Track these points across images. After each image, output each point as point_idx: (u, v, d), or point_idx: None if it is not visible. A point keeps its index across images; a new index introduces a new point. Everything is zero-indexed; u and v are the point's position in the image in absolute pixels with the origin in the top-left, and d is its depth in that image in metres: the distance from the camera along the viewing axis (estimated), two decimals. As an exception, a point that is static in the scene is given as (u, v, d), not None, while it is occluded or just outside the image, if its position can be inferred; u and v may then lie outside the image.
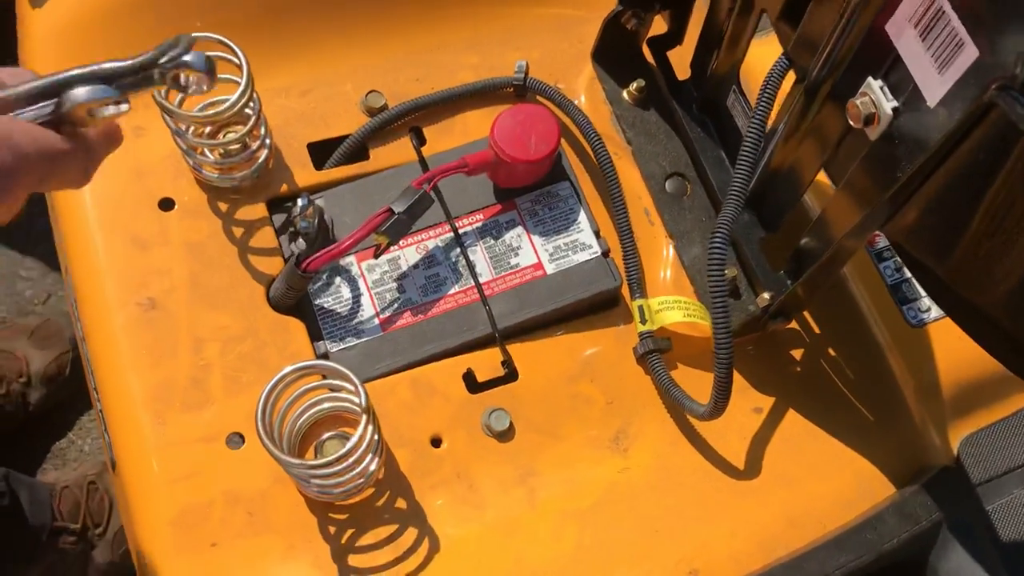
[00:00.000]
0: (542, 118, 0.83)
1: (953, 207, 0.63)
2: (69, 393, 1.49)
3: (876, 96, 0.63)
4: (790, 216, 0.82)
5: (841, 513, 0.77)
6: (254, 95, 0.78)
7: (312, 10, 0.91)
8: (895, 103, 0.62)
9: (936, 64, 0.57)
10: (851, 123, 0.64)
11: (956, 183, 0.61)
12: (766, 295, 0.81)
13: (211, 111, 0.75)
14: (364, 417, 0.67)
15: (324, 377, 0.71)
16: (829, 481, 0.80)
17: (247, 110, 0.78)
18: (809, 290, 0.78)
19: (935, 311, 0.95)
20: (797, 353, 0.87)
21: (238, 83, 0.75)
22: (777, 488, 0.79)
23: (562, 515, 0.76)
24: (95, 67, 0.58)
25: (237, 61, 0.75)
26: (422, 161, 0.86)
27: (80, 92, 0.57)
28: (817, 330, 0.89)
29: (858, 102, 0.63)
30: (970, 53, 0.54)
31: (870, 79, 0.63)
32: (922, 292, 0.94)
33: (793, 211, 0.81)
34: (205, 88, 0.62)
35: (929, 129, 0.59)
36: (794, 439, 0.82)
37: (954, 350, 0.97)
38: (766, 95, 0.74)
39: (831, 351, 0.88)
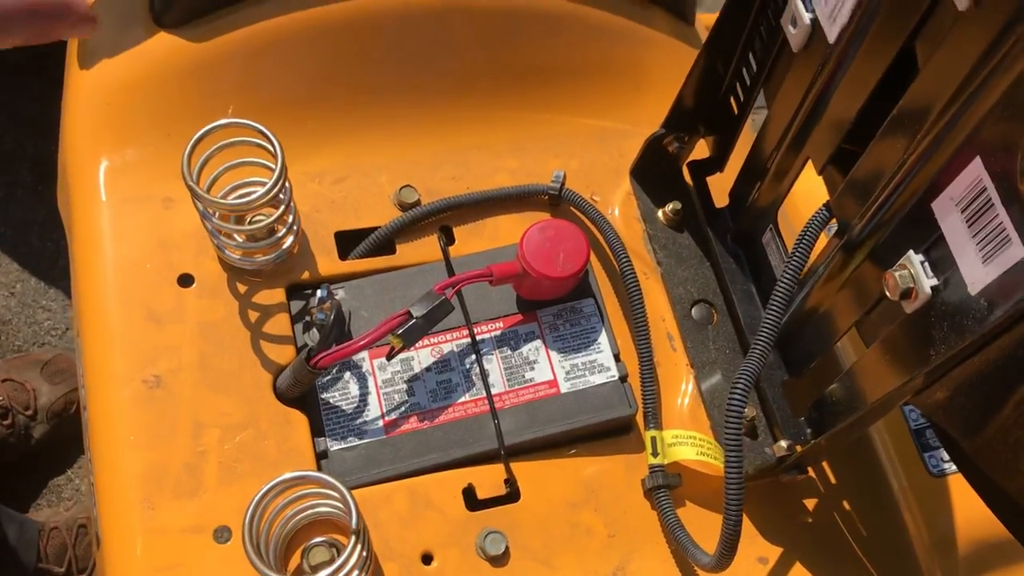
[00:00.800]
0: (572, 236, 0.82)
1: (986, 393, 0.60)
2: (74, 429, 1.48)
3: (915, 271, 0.61)
4: (817, 363, 0.80)
5: None
6: (286, 183, 0.77)
7: (354, 98, 0.91)
8: (935, 281, 0.60)
9: (980, 253, 0.55)
10: (887, 294, 0.62)
11: (992, 372, 0.58)
12: (783, 444, 0.78)
13: (242, 200, 0.75)
14: (353, 538, 0.65)
15: (320, 487, 0.70)
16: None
17: (280, 196, 0.78)
18: (831, 444, 0.76)
19: (957, 463, 0.92)
20: (810, 502, 0.84)
21: (271, 169, 0.75)
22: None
23: (548, 653, 0.73)
24: None
25: (271, 149, 0.75)
26: (448, 263, 0.85)
27: None
28: (833, 479, 0.86)
29: (896, 274, 0.61)
30: (1017, 252, 0.52)
31: (911, 252, 0.61)
32: (945, 443, 0.92)
33: (821, 359, 0.79)
34: None
35: (969, 317, 0.57)
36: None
37: (973, 504, 0.93)
38: (803, 245, 0.72)
39: (845, 503, 0.85)
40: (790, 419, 0.80)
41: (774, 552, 0.81)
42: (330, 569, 0.65)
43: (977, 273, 0.56)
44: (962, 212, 0.56)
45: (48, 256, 1.63)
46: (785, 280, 0.72)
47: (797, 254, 0.72)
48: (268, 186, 0.73)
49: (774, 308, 0.72)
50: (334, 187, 0.88)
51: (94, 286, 0.81)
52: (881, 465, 0.90)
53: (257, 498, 0.65)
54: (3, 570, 1.25)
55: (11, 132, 1.68)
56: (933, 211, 0.59)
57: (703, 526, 0.79)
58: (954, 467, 0.96)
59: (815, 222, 0.72)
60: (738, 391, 0.70)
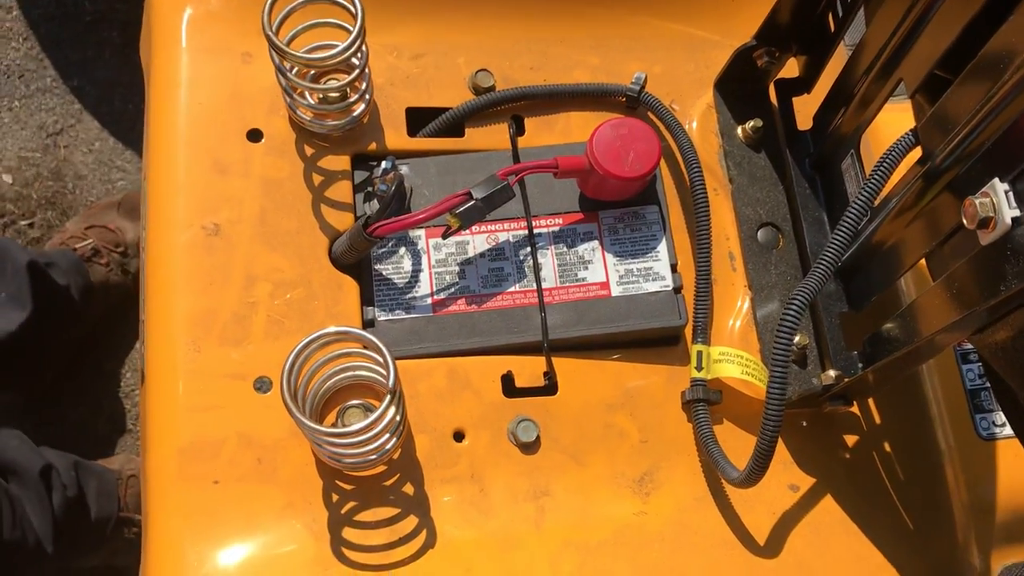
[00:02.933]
0: (645, 137, 0.80)
1: (1052, 337, 0.58)
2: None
3: (998, 199, 0.58)
4: (878, 298, 0.77)
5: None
6: (363, 47, 0.76)
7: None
8: (1017, 212, 0.57)
9: (1072, 183, 0.52)
10: (964, 221, 0.60)
11: (1062, 313, 0.56)
12: (832, 373, 0.77)
13: (318, 55, 0.74)
14: (388, 398, 0.65)
15: (362, 346, 0.70)
16: (850, 582, 0.75)
17: (354, 60, 0.77)
18: (879, 379, 0.74)
19: (1009, 428, 0.89)
20: (850, 439, 0.83)
21: (350, 32, 0.74)
22: (792, 575, 0.75)
23: (565, 544, 0.74)
24: None
25: (352, 9, 0.74)
26: (515, 151, 0.84)
27: None
28: (877, 419, 0.84)
29: (977, 201, 0.59)
30: (1111, 182, 0.49)
31: (996, 180, 0.58)
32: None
33: (883, 293, 0.77)
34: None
35: (1047, 250, 0.54)
36: (824, 528, 0.77)
37: (1019, 473, 0.92)
38: (883, 168, 0.69)
39: (887, 445, 0.83)
40: (842, 351, 0.79)
41: (806, 482, 0.80)
42: (363, 423, 0.65)
43: (1064, 205, 0.53)
44: (1057, 139, 0.53)
45: (128, 118, 1.65)
46: (858, 202, 0.70)
47: (875, 177, 0.70)
48: (344, 44, 0.73)
49: (842, 230, 0.70)
50: (411, 62, 0.87)
51: (165, 130, 0.82)
52: (930, 416, 0.87)
53: (300, 347, 0.66)
54: (87, 523, 1.25)
55: (105, -7, 1.70)
56: (1026, 138, 0.56)
57: (737, 446, 0.78)
58: (1006, 431, 0.93)
59: (899, 146, 0.69)
60: (792, 310, 0.68)
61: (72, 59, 1.70)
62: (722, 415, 0.81)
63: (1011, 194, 0.58)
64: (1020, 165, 0.57)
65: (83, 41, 1.70)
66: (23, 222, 1.59)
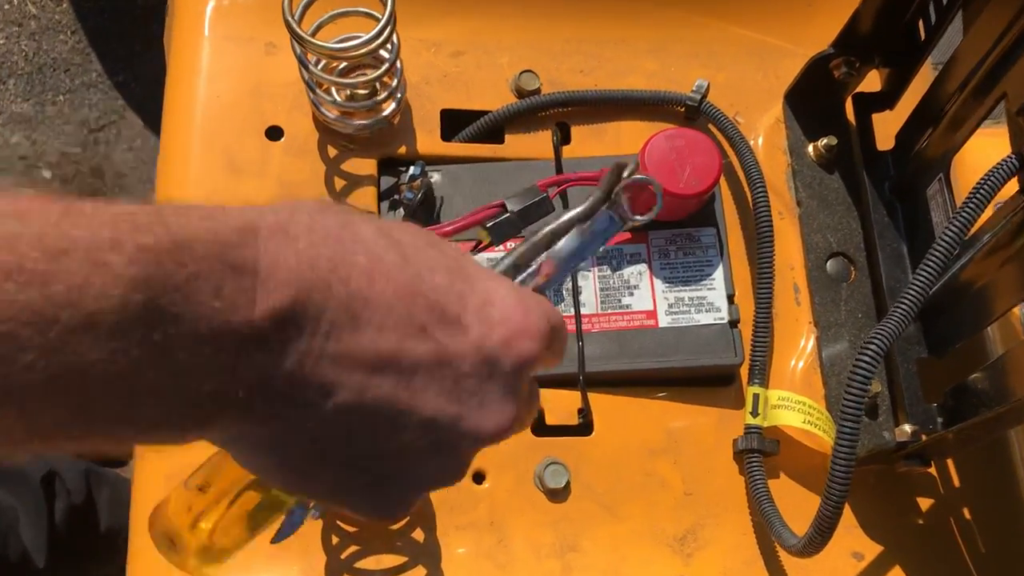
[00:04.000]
0: (705, 150, 0.71)
1: None
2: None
3: (1126, 239, 0.48)
4: (963, 345, 0.68)
5: None
6: (394, 38, 0.69)
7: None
8: None
9: None
10: (1081, 262, 0.50)
11: None
12: (907, 428, 0.67)
13: (342, 45, 0.67)
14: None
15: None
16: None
17: (383, 52, 0.70)
18: (962, 440, 0.64)
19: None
20: (924, 502, 0.73)
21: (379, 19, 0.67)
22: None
23: (593, 607, 0.65)
24: (565, 219, 0.51)
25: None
26: (558, 161, 0.76)
27: (565, 247, 0.50)
28: (956, 482, 0.74)
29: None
30: None
31: (1123, 215, 0.49)
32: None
33: (969, 340, 0.67)
34: (654, 211, 0.54)
35: None
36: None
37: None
38: (978, 197, 0.60)
39: (966, 512, 0.73)
40: (920, 403, 0.69)
41: (873, 549, 0.70)
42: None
43: None
44: None
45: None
46: (947, 236, 0.60)
47: (968, 207, 0.60)
48: (371, 34, 0.65)
49: (928, 266, 0.60)
50: (449, 60, 0.79)
51: (180, 124, 0.76)
52: (1015, 476, 0.77)
53: None
54: (96, 532, 1.20)
55: (157, -12, 1.66)
56: None
57: (795, 505, 0.69)
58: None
59: (998, 173, 0.60)
60: (867, 356, 0.59)
61: (119, 54, 1.67)
62: (779, 468, 0.72)
63: None
64: None
65: (131, 35, 1.66)
66: (59, 218, 1.55)
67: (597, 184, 0.70)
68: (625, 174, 0.53)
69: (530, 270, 0.49)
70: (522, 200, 0.68)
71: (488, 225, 0.68)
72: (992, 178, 0.60)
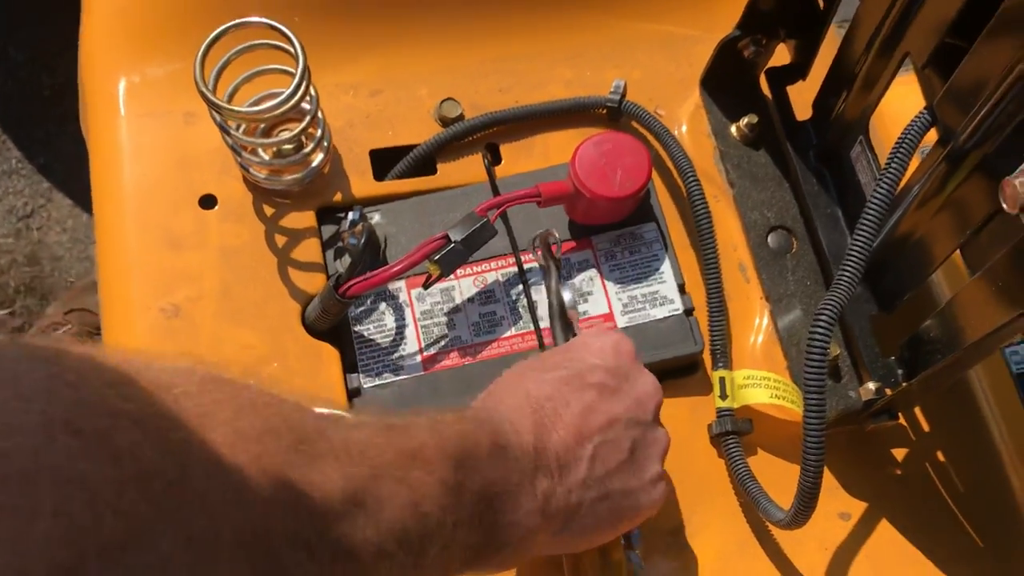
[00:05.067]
0: (632, 150, 0.72)
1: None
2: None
3: (1042, 178, 0.50)
4: (911, 296, 0.70)
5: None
6: (311, 90, 0.69)
7: (394, 2, 0.82)
8: (1067, 190, 0.50)
9: None
10: (1004, 206, 0.52)
11: None
12: (871, 386, 0.69)
13: (259, 107, 0.67)
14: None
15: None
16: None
17: (304, 105, 0.70)
18: (925, 389, 0.66)
19: (1068, 411, 0.81)
20: (898, 452, 0.75)
21: (293, 74, 0.67)
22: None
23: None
24: (554, 287, 0.71)
25: (292, 50, 0.67)
26: (493, 184, 0.77)
27: (568, 295, 0.71)
28: (925, 426, 0.76)
29: (1016, 182, 0.51)
30: None
31: (1036, 156, 0.51)
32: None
33: (915, 291, 0.69)
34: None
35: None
36: (884, 559, 0.69)
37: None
38: (899, 157, 0.61)
39: (939, 454, 0.75)
40: (879, 359, 0.71)
41: (857, 507, 0.72)
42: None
43: (1124, 176, 0.45)
44: (1106, 101, 0.46)
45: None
46: (878, 197, 0.62)
47: (892, 167, 0.62)
48: (288, 91, 0.66)
49: (864, 229, 0.62)
50: (369, 100, 0.80)
51: (111, 207, 0.75)
52: (980, 412, 0.79)
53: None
54: None
55: (65, 64, 1.64)
56: (1067, 104, 0.48)
57: (776, 478, 0.70)
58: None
59: (914, 129, 0.62)
60: (821, 324, 0.61)
61: (36, 136, 1.64)
62: (755, 444, 0.73)
63: (1056, 170, 0.50)
64: (1062, 135, 0.49)
65: (44, 117, 1.64)
66: (2, 312, 1.53)
67: (534, 201, 0.72)
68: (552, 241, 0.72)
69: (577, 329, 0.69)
70: (464, 228, 0.69)
71: (435, 258, 0.68)
72: (910, 135, 0.61)
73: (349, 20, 0.81)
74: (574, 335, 0.69)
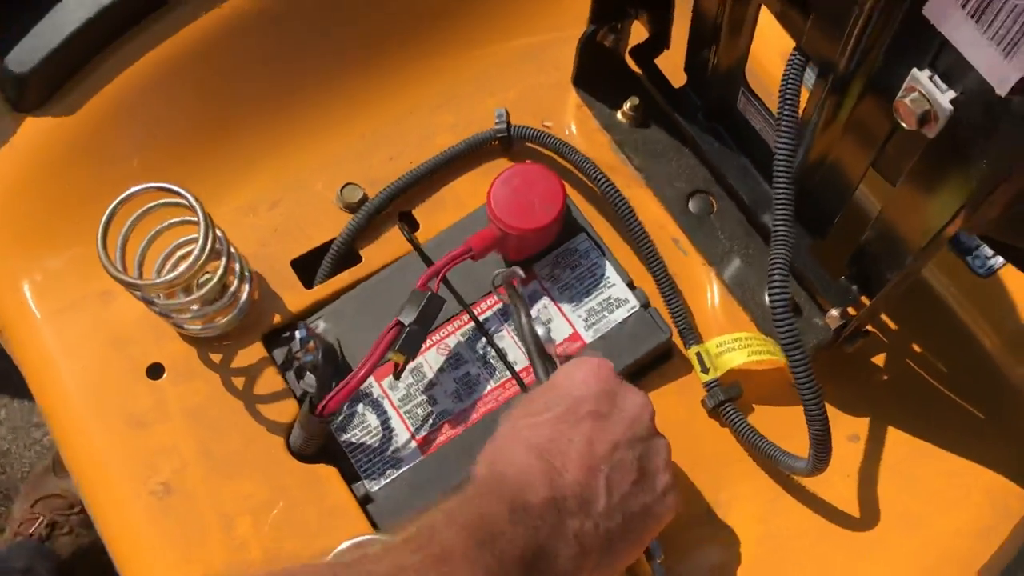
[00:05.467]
0: (540, 176, 0.74)
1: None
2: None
3: (927, 90, 0.53)
4: (840, 218, 0.72)
5: (982, 547, 0.68)
6: (216, 233, 0.69)
7: (257, 111, 0.81)
8: (952, 94, 0.52)
9: (1000, 49, 0.47)
10: (902, 124, 0.55)
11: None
12: (835, 312, 0.71)
13: (173, 274, 0.66)
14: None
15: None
16: (957, 510, 0.70)
17: (216, 247, 0.69)
18: (884, 299, 0.69)
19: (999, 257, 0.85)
20: (879, 359, 0.78)
21: (196, 223, 0.66)
22: (901, 533, 0.69)
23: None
24: (525, 325, 0.72)
25: (188, 201, 0.66)
26: (420, 252, 0.77)
27: (542, 331, 0.73)
28: (892, 325, 0.79)
29: (907, 100, 0.53)
30: (1049, 33, 0.44)
31: (915, 71, 0.53)
32: (980, 240, 0.84)
33: (842, 215, 0.72)
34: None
35: (1007, 119, 0.49)
36: (903, 466, 0.72)
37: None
38: (788, 103, 0.63)
39: (915, 346, 0.79)
40: (831, 284, 0.73)
41: (862, 424, 0.74)
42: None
43: (1002, 71, 0.48)
44: (963, 7, 0.48)
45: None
46: (782, 144, 0.64)
47: (785, 112, 0.64)
48: (198, 247, 0.65)
49: (781, 177, 0.63)
50: (272, 213, 0.79)
51: (62, 407, 0.74)
52: (935, 291, 0.82)
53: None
54: None
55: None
56: (927, 18, 0.51)
57: (782, 425, 0.73)
58: (999, 260, 0.88)
59: (792, 71, 0.64)
60: (776, 281, 0.62)
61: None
62: (750, 402, 0.75)
63: (936, 79, 0.53)
64: (933, 45, 0.52)
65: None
66: (-29, 524, 1.48)
67: (468, 258, 0.73)
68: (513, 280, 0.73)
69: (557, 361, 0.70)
70: (413, 308, 0.69)
71: (397, 348, 0.69)
72: (789, 80, 0.63)
73: (224, 145, 0.80)
74: (554, 367, 0.70)
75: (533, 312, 0.75)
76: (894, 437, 0.74)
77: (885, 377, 0.77)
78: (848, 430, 0.74)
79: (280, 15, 0.81)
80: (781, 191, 0.63)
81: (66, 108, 0.78)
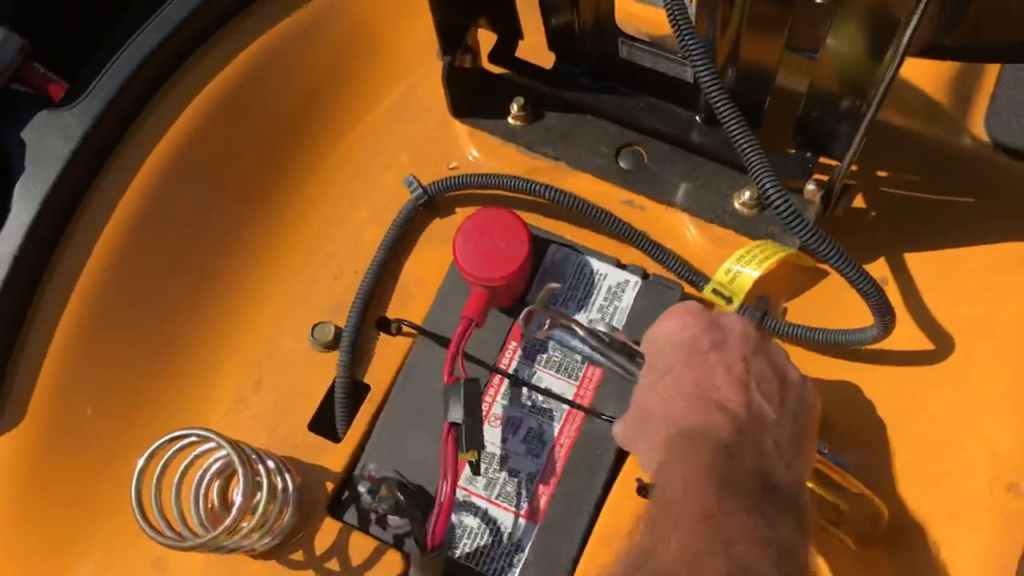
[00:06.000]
0: (491, 218, 0.72)
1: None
2: None
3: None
4: (769, 104, 0.73)
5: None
6: (246, 457, 0.65)
7: (197, 307, 0.77)
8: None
9: None
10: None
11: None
12: (811, 186, 0.73)
13: (228, 521, 0.62)
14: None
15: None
16: (997, 288, 0.72)
17: (256, 478, 0.66)
18: (854, 157, 0.70)
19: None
20: (872, 200, 0.79)
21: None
22: (965, 339, 0.71)
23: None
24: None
25: (213, 442, 0.63)
26: (417, 349, 0.74)
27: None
28: (867, 169, 0.80)
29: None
30: None
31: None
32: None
33: (769, 102, 0.72)
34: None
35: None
36: (935, 279, 0.74)
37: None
38: (681, 20, 0.61)
39: (889, 174, 0.80)
40: (787, 162, 0.74)
41: (882, 267, 0.76)
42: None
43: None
44: None
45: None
46: (707, 82, 0.62)
47: (683, 29, 0.61)
48: (242, 490, 0.61)
49: (716, 95, 0.62)
50: (261, 396, 0.75)
51: None
52: (902, 140, 0.82)
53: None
54: None
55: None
56: None
57: (823, 309, 0.74)
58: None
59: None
60: (769, 188, 0.61)
61: None
62: (779, 305, 0.76)
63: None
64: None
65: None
66: None
67: (474, 329, 0.71)
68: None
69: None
70: (456, 403, 0.67)
71: (464, 449, 0.66)
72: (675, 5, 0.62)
73: (180, 356, 0.75)
74: (634, 351, 0.69)
75: (558, 339, 0.74)
76: (914, 261, 0.75)
77: (874, 214, 0.79)
78: (876, 273, 0.75)
79: (179, 219, 0.77)
80: (715, 96, 0.62)
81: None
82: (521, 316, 0.71)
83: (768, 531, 0.50)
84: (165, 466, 0.64)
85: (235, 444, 0.63)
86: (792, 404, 0.60)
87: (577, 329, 0.70)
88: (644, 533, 0.52)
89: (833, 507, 0.66)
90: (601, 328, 0.70)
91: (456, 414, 0.67)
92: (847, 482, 0.65)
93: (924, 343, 0.72)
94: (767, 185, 0.62)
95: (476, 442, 0.67)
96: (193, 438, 0.62)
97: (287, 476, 0.69)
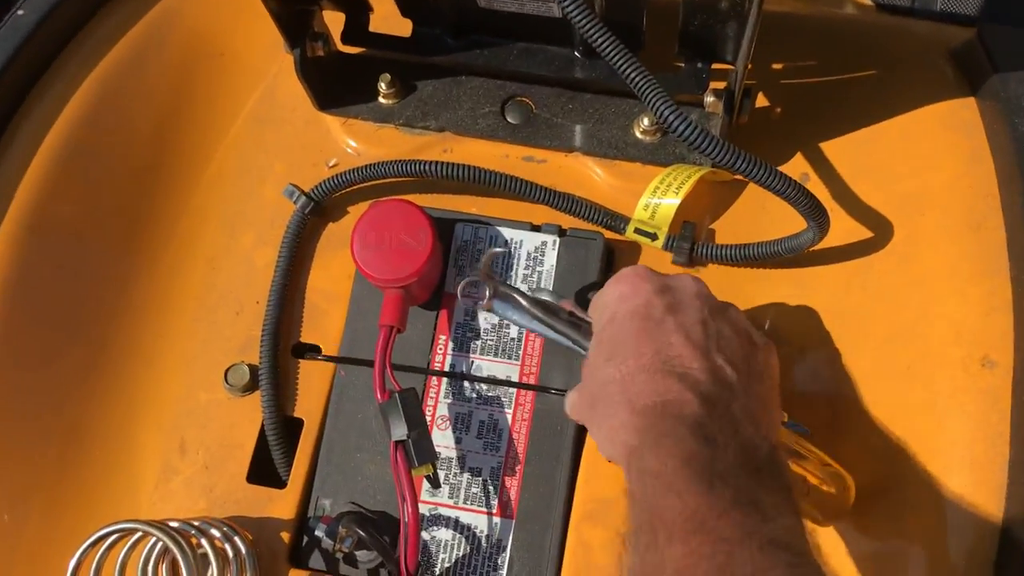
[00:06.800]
0: (387, 210, 0.66)
1: None
2: None
3: None
4: (648, 25, 0.68)
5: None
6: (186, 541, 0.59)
7: (113, 380, 0.70)
8: None
9: None
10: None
11: None
12: (710, 98, 0.68)
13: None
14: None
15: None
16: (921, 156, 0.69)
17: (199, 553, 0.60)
18: (735, 52, 0.65)
19: None
20: (768, 106, 0.75)
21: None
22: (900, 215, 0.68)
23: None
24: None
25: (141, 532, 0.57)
26: (341, 371, 0.69)
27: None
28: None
29: None
30: None
31: None
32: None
33: (646, 20, 0.67)
34: None
35: None
36: (870, 168, 0.70)
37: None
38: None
39: (787, 65, 0.76)
40: (679, 77, 0.70)
41: (802, 164, 0.72)
42: None
43: None
44: None
45: None
46: (621, 62, 0.57)
47: (593, 30, 0.57)
48: (184, 569, 0.55)
49: (588, 26, 0.56)
50: (188, 460, 0.69)
51: None
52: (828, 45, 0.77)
53: None
54: None
55: None
56: None
57: (750, 222, 0.70)
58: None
59: None
60: (672, 114, 0.56)
61: None
62: (706, 226, 0.72)
63: None
64: None
65: None
66: None
67: (397, 335, 0.65)
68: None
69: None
70: (397, 420, 0.62)
71: (416, 464, 0.61)
72: None
73: (101, 438, 0.68)
74: (580, 320, 0.64)
75: (480, 322, 0.69)
76: (832, 150, 0.72)
77: (783, 111, 0.75)
78: (799, 170, 0.72)
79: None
80: (588, 26, 0.56)
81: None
82: (459, 287, 0.66)
83: (767, 526, 0.46)
84: (99, 568, 0.58)
85: (162, 526, 0.57)
86: (757, 366, 0.57)
87: (521, 300, 0.65)
88: (634, 556, 0.48)
89: (801, 479, 0.62)
90: (545, 297, 0.65)
91: (399, 431, 0.62)
92: (811, 452, 0.62)
93: (863, 232, 0.68)
94: (663, 109, 0.57)
95: (428, 455, 0.62)
96: (116, 535, 0.56)
97: (236, 539, 0.64)
